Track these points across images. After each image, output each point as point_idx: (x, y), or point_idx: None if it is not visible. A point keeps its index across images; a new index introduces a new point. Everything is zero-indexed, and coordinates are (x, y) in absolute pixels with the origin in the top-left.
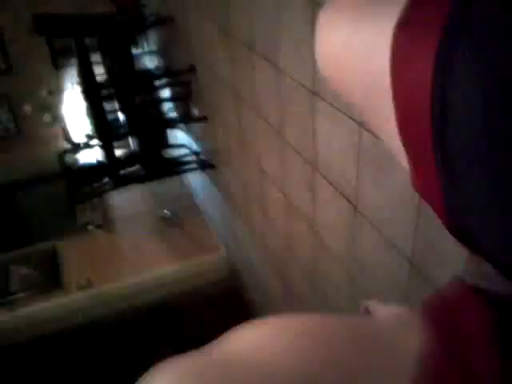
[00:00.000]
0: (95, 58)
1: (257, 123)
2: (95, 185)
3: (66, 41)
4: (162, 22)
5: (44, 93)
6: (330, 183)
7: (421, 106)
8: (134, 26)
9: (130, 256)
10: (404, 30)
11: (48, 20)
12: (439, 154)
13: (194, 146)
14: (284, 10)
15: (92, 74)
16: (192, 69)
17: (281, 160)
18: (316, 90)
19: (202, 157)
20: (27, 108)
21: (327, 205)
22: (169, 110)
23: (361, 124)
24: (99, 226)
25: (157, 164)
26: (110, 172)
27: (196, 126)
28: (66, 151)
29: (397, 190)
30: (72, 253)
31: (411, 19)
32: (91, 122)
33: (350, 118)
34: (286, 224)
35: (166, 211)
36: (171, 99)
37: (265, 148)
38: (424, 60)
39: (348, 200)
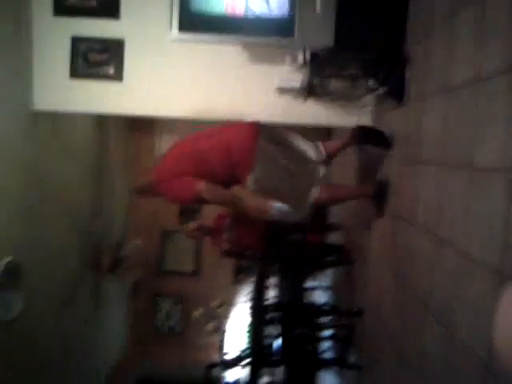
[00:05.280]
0: (272, 280)
1: None
2: None
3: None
4: (344, 263)
5: (216, 302)
6: None
7: None
8: (317, 261)
9: None
10: None
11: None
12: None
13: None
14: (466, 276)
15: (263, 296)
16: (360, 312)
17: None
18: (490, 366)
19: None
20: (196, 313)
21: None
22: (326, 349)
23: None
24: None
25: None
26: None
27: (349, 372)
28: (214, 366)
29: None
30: None
31: None
32: (248, 341)
33: None
34: None
35: None
36: (331, 338)
37: None
38: None
39: None
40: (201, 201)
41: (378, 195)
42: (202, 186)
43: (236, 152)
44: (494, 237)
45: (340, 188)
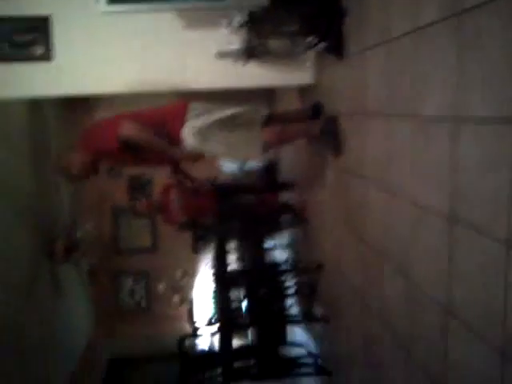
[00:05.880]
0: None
1: (383, 335)
2: (207, 373)
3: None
4: (298, 223)
5: (179, 274)
6: None
7: None
8: (272, 220)
9: None
10: None
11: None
12: None
13: (313, 346)
14: (419, 224)
15: (224, 261)
16: (320, 267)
17: None
18: (450, 309)
19: (319, 361)
20: (161, 287)
21: None
22: (291, 305)
23: None
24: None
25: (272, 362)
26: (224, 363)
27: (317, 325)
28: (186, 336)
29: None
30: None
31: None
32: (215, 307)
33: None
34: None
35: None
36: (295, 295)
37: (390, 362)
38: None
39: None
40: (129, 146)
41: (328, 131)
42: (126, 123)
43: (169, 117)
44: (443, 183)
45: (286, 127)
